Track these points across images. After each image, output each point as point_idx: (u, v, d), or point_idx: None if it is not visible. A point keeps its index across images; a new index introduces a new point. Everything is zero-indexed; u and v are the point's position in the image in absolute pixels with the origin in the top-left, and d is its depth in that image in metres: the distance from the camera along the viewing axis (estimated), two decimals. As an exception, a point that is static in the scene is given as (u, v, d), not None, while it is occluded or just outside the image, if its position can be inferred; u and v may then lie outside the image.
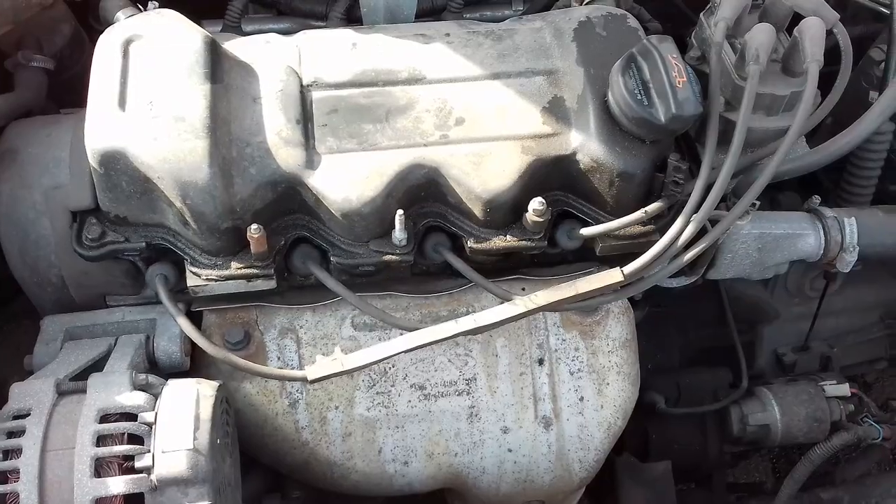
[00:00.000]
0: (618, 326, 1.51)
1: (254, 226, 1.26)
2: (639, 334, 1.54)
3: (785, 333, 2.13)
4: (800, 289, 2.04)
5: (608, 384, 1.49)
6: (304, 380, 1.24)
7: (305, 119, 1.35)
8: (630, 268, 1.31)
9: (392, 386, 1.45)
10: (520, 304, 1.31)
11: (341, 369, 1.26)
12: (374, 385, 1.44)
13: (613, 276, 1.31)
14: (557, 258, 1.50)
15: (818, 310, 2.04)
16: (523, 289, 1.49)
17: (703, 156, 1.41)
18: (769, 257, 1.58)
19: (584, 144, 1.35)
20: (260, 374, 1.34)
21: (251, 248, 1.29)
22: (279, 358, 1.43)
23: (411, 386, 1.45)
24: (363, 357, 1.27)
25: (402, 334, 1.29)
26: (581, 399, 1.48)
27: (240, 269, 1.33)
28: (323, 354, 1.43)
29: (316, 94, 1.39)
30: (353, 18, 1.69)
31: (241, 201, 1.28)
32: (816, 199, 1.62)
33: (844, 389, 1.85)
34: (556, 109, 1.39)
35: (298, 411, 1.42)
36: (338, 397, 1.43)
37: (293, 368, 1.43)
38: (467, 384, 1.46)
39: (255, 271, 1.33)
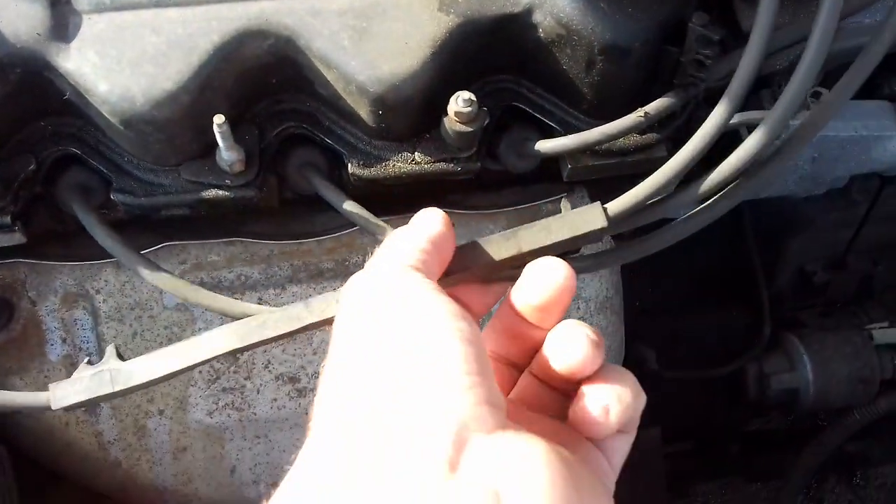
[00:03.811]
0: (595, 281, 1.00)
1: (-49, 148, 0.71)
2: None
3: (816, 245, 1.62)
4: (844, 190, 1.52)
5: (577, 367, 0.99)
6: (46, 409, 0.72)
7: (55, -54, 0.77)
8: (618, 206, 0.77)
9: (247, 379, 0.95)
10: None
11: (109, 390, 0.69)
12: (218, 378, 0.95)
13: (590, 219, 0.74)
14: (505, 178, 0.96)
15: (866, 217, 1.53)
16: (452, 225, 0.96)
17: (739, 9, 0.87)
18: (828, 170, 1.06)
19: (546, -4, 0.78)
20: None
21: (-38, 182, 0.75)
22: (65, 340, 0.92)
23: (277, 378, 0.96)
24: (150, 366, 0.69)
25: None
26: (536, 389, 0.99)
27: (-52, 215, 0.79)
28: (136, 334, 0.92)
29: None
30: None
31: (-67, 101, 0.72)
32: (905, 80, 1.07)
33: (900, 335, 1.38)
34: (499, -68, 0.81)
35: (100, 420, 0.93)
36: (162, 398, 0.94)
37: (90, 355, 0.92)
38: (363, 373, 0.96)
39: (-25, 220, 0.79)
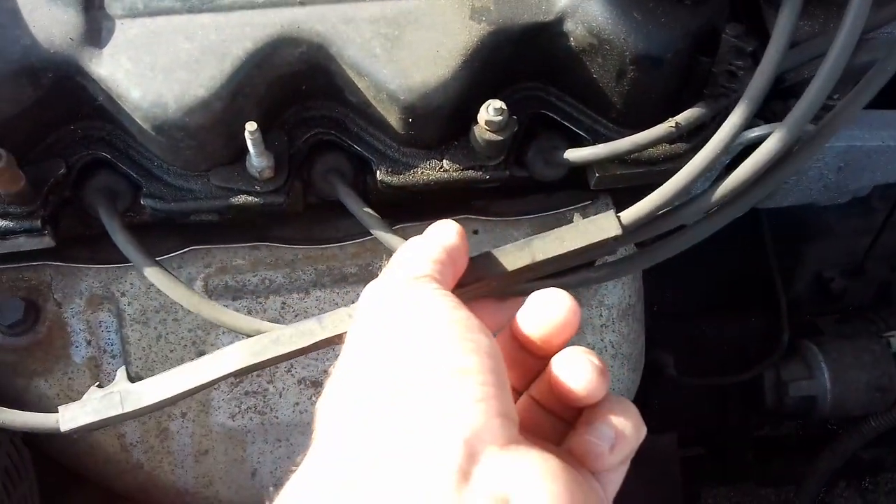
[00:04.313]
0: (617, 288, 1.00)
1: (-15, 152, 0.72)
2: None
3: (835, 252, 1.62)
4: (864, 198, 1.51)
5: (599, 375, 0.99)
6: (55, 430, 0.72)
7: (88, -48, 0.77)
8: (632, 214, 0.72)
9: (269, 382, 0.95)
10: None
11: (119, 412, 0.68)
12: (241, 382, 0.95)
13: (604, 227, 0.69)
14: (531, 185, 0.95)
15: (885, 224, 1.53)
16: (475, 232, 0.96)
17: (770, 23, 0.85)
18: (853, 179, 1.05)
19: (579, 5, 0.78)
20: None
21: (-5, 185, 0.75)
22: (89, 342, 0.92)
23: (299, 382, 0.96)
24: (160, 387, 0.68)
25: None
26: (558, 397, 0.99)
27: (-19, 218, 0.79)
28: (160, 337, 0.93)
29: None
30: None
31: (-34, 106, 0.73)
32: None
33: (917, 343, 1.37)
34: (531, -60, 0.81)
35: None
36: (184, 401, 0.94)
37: (115, 358, 0.93)
38: (386, 379, 0.96)
39: (9, 223, 0.79)
